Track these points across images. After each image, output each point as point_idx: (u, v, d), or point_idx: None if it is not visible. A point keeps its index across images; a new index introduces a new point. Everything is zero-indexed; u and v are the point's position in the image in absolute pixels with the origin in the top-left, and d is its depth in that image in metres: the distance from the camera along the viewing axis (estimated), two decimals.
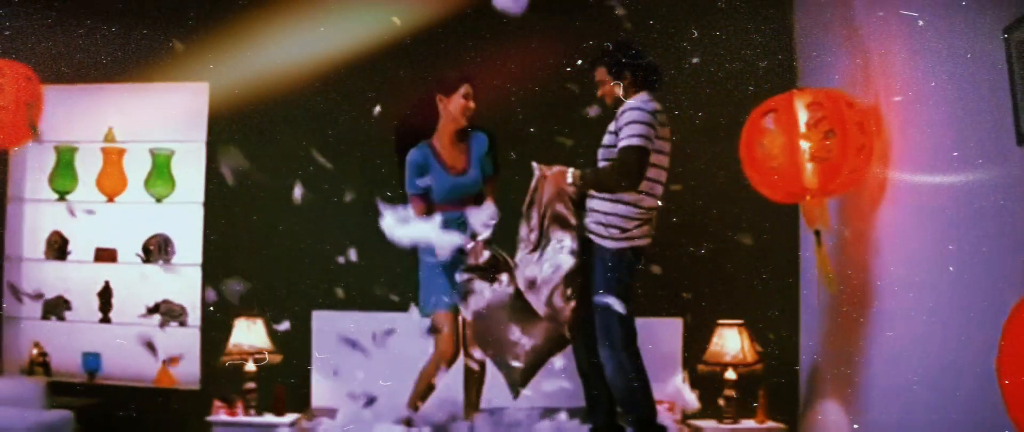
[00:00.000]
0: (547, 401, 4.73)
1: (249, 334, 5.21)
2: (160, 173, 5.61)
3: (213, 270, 5.46)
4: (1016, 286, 3.04)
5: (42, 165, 5.70)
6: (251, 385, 5.13)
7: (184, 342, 5.51)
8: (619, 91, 4.28)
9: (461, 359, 4.57)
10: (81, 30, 5.54)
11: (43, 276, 5.70)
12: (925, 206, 3.87)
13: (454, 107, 4.50)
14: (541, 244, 4.28)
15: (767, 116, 4.28)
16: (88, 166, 5.63)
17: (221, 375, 5.27)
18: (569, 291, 4.20)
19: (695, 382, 5.08)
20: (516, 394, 4.38)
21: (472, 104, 4.48)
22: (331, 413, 4.88)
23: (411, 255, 4.58)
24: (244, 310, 5.25)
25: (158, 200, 5.63)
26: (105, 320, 5.60)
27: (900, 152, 4.07)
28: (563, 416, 4.66)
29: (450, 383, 4.59)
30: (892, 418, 4.15)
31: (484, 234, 4.39)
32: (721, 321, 5.17)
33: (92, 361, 5.53)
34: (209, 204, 5.57)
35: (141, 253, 5.60)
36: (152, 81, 5.54)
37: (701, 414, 5.10)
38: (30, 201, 5.76)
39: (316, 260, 5.41)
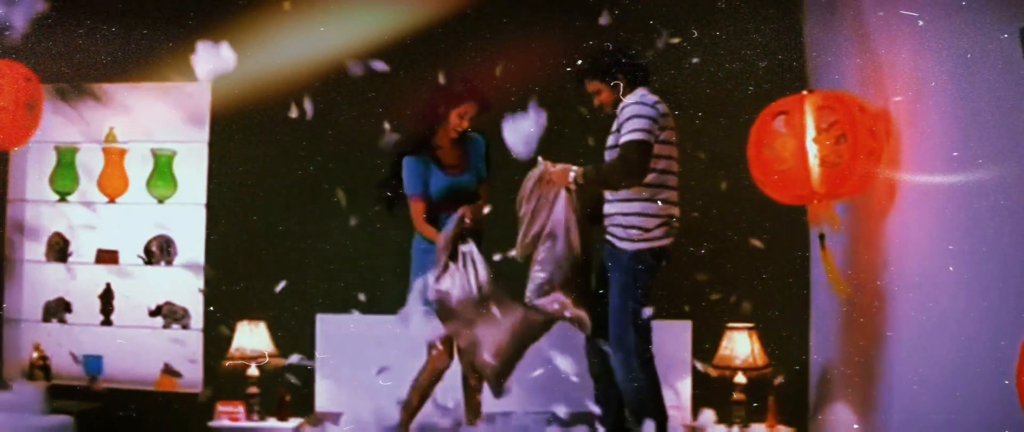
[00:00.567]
0: (554, 405, 4.66)
1: (252, 337, 5.17)
2: (162, 174, 5.56)
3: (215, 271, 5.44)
4: None
5: (42, 165, 5.65)
6: (254, 389, 5.09)
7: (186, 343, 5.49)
8: (616, 94, 4.24)
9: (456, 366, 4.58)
10: (81, 30, 5.50)
11: (44, 278, 5.67)
12: (936, 207, 3.81)
13: (452, 119, 4.56)
14: (538, 243, 4.28)
15: (777, 118, 4.21)
16: (89, 166, 5.59)
17: (223, 379, 5.24)
18: (574, 294, 4.18)
19: (699, 384, 5.05)
20: (498, 393, 4.32)
21: (466, 124, 4.54)
22: (335, 418, 4.85)
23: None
24: (249, 315, 5.22)
25: (160, 201, 5.59)
26: (106, 323, 5.56)
27: (911, 154, 4.01)
28: (570, 419, 4.60)
29: (451, 391, 4.58)
30: (904, 420, 4.10)
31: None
32: (730, 324, 5.11)
33: (94, 364, 5.49)
34: (211, 205, 5.54)
35: (143, 254, 5.56)
36: (152, 81, 5.51)
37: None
38: (30, 201, 5.72)
39: (318, 261, 5.39)
